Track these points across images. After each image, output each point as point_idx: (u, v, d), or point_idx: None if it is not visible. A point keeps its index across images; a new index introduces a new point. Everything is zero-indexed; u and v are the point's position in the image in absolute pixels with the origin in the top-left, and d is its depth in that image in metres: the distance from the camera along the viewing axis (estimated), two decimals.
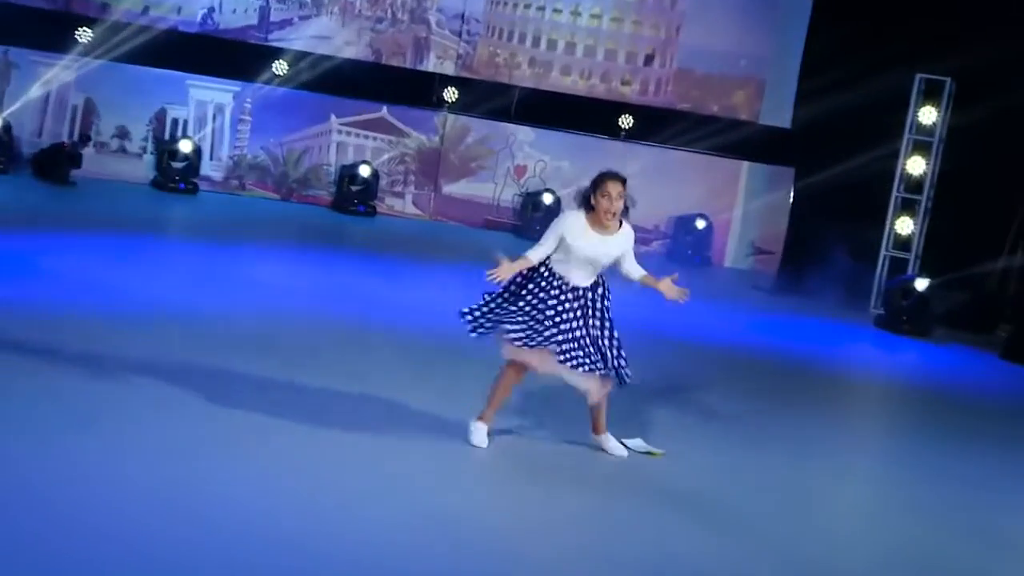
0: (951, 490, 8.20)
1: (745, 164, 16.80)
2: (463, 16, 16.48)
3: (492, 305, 7.48)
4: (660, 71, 16.80)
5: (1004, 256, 15.03)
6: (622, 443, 7.79)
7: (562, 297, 7.36)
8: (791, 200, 16.29)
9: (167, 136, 15.71)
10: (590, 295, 7.42)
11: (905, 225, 14.89)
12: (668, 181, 16.50)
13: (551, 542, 6.29)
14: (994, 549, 7.27)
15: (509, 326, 7.36)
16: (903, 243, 14.91)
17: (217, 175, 15.99)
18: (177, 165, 15.51)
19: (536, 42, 16.65)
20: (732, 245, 16.82)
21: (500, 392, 7.53)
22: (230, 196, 15.96)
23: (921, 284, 13.86)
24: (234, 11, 15.91)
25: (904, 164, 14.89)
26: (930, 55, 14.69)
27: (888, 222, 14.93)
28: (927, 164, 14.82)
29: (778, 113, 16.73)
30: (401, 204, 16.53)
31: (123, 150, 15.70)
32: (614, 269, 7.51)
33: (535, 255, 7.31)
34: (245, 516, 5.87)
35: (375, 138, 16.37)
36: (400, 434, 7.52)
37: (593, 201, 7.33)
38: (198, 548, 5.42)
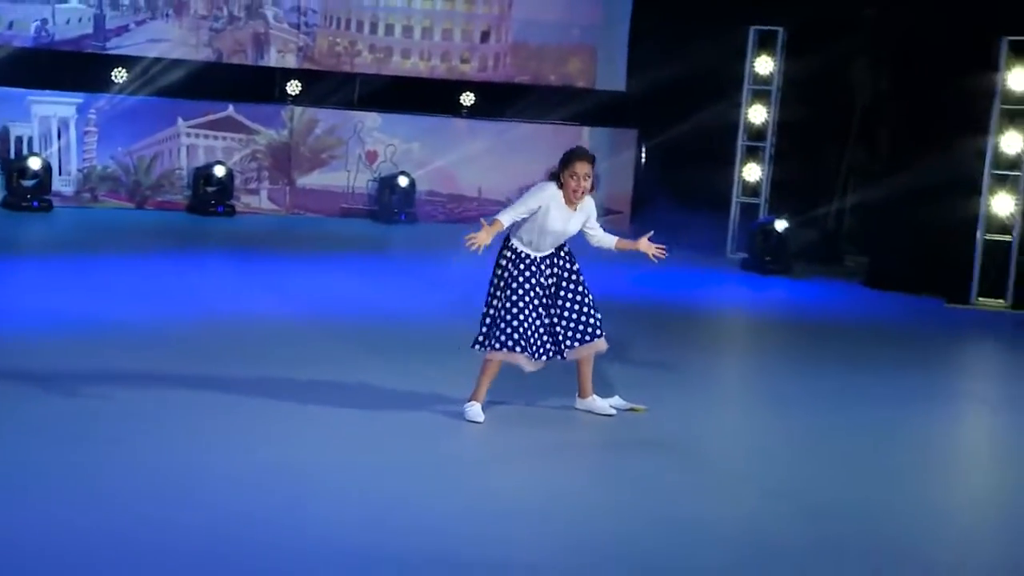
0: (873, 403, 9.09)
1: (586, 130, 17.35)
2: (300, 8, 16.61)
3: (489, 320, 7.80)
4: (497, 46, 17.25)
5: (838, 196, 16.08)
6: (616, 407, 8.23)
7: (532, 280, 7.73)
8: (641, 160, 16.99)
9: (13, 155, 15.45)
10: (552, 263, 7.81)
11: (752, 172, 15.70)
12: (515, 153, 16.96)
13: (571, 501, 6.64)
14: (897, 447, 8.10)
15: (502, 338, 7.69)
16: (752, 189, 15.71)
17: (69, 190, 15.81)
18: (27, 183, 15.28)
19: (374, 28, 16.89)
20: None
21: (487, 378, 7.87)
22: (84, 210, 15.77)
23: (780, 225, 14.78)
24: (68, 22, 15.75)
25: (746, 113, 15.64)
26: (762, 7, 15.45)
27: (736, 170, 15.68)
28: (767, 112, 15.61)
29: (613, 78, 17.37)
30: (257, 201, 16.61)
31: None
32: (585, 242, 7.94)
33: (506, 218, 7.67)
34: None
35: (224, 137, 16.40)
36: (393, 416, 7.87)
37: (562, 180, 7.73)
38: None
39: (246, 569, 5.38)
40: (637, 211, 17.03)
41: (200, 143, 16.35)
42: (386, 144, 17.00)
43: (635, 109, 17.16)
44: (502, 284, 7.80)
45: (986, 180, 13.31)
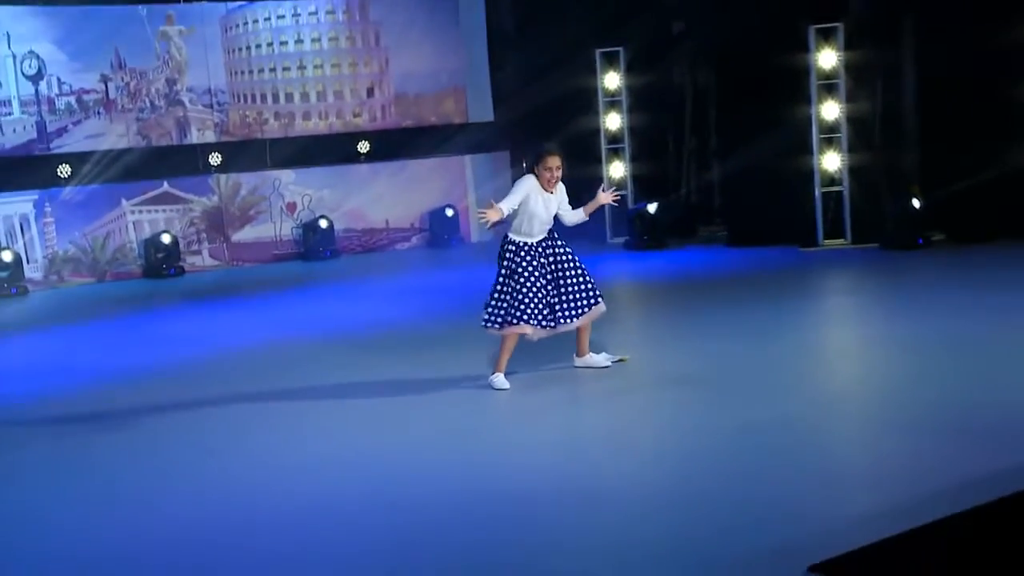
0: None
1: (467, 158, 18.22)
2: (211, 91, 17.06)
3: (495, 301, 8.42)
4: (381, 99, 17.90)
5: (684, 179, 17.27)
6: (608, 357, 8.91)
7: (533, 262, 8.35)
8: (521, 173, 17.88)
9: None
10: (547, 247, 8.46)
11: (617, 169, 16.80)
12: (412, 186, 17.82)
13: (607, 436, 7.28)
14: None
15: (511, 316, 8.32)
16: (618, 184, 16.82)
17: (38, 275, 16.09)
18: (3, 275, 15.56)
19: (276, 99, 17.44)
20: (475, 224, 18.33)
21: (506, 351, 8.47)
22: (55, 290, 16.04)
23: (652, 208, 15.83)
24: (14, 130, 15.97)
25: (604, 122, 16.62)
26: (604, 32, 16.44)
27: (604, 169, 16.62)
28: (621, 119, 16.64)
29: (483, 111, 18.17)
30: (201, 260, 17.05)
31: None
32: (560, 223, 8.62)
33: (505, 206, 8.32)
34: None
35: (164, 210, 16.81)
36: (430, 396, 8.40)
37: (537, 173, 8.47)
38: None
39: (359, 524, 5.88)
40: None
41: (144, 218, 16.72)
42: (302, 195, 17.55)
43: (505, 135, 18.01)
44: (508, 272, 8.40)
45: (815, 142, 14.51)
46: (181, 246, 16.81)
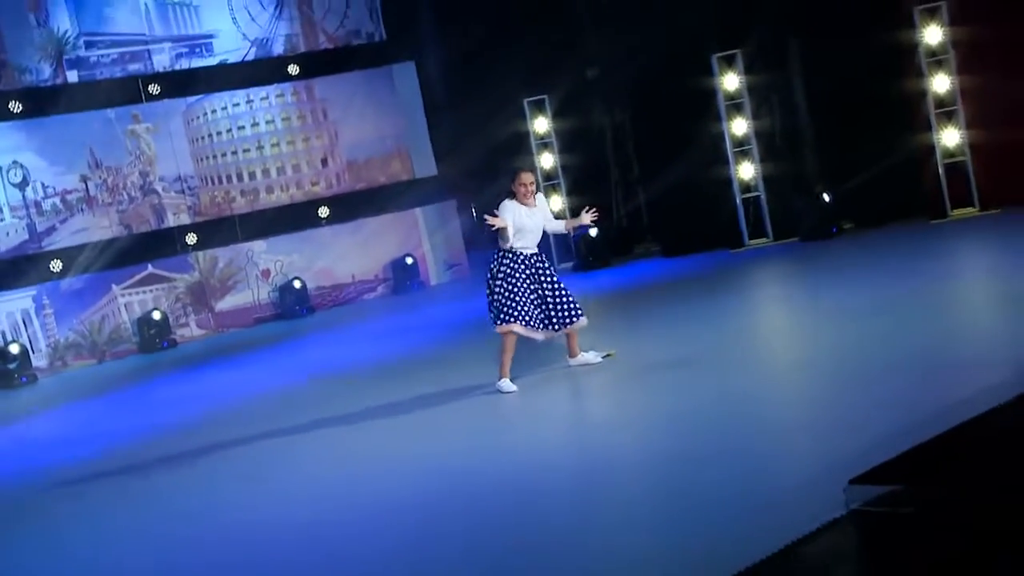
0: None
1: (419, 209, 18.57)
2: (181, 178, 17.22)
3: (491, 303, 8.70)
4: (335, 167, 18.15)
5: (614, 205, 17.74)
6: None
7: (526, 272, 8.64)
8: (472, 217, 18.19)
9: None
10: (538, 263, 8.77)
11: (555, 202, 17.08)
12: (372, 242, 18.06)
13: (612, 421, 7.70)
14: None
15: (505, 314, 8.58)
16: (558, 215, 17.23)
17: (43, 363, 16.08)
18: (12, 366, 15.55)
19: (240, 178, 17.63)
20: (433, 268, 18.61)
21: (507, 355, 8.69)
22: (61, 374, 16.05)
23: (593, 232, 16.26)
24: (7, 234, 16.00)
25: (539, 161, 17.01)
26: (530, 82, 16.90)
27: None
28: (554, 159, 17.09)
29: (426, 167, 18.51)
30: (190, 331, 17.16)
31: None
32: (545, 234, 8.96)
33: (501, 221, 8.61)
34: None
35: (151, 290, 16.91)
36: (451, 407, 8.60)
37: (514, 190, 8.79)
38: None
39: (431, 510, 6.18)
40: (473, 262, 18.14)
41: (134, 299, 16.80)
42: (274, 261, 17.71)
43: (449, 186, 18.36)
44: (502, 276, 8.66)
45: (730, 155, 15.07)
46: (171, 320, 16.91)
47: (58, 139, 16.36)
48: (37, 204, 16.28)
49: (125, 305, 16.79)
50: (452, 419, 8.35)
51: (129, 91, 16.81)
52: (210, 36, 17.44)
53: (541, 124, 17.10)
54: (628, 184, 17.59)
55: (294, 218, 17.80)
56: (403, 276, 18.18)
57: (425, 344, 12.47)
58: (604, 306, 13.37)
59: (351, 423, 8.78)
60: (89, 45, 16.61)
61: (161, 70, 17.07)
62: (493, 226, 8.60)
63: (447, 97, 18.15)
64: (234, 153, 17.64)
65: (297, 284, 17.53)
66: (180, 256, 17.16)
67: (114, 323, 16.70)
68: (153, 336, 16.64)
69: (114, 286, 16.72)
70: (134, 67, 16.92)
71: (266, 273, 17.72)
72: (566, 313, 8.82)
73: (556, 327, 8.80)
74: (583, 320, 8.94)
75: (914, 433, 5.37)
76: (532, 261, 8.84)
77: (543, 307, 8.76)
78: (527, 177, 8.91)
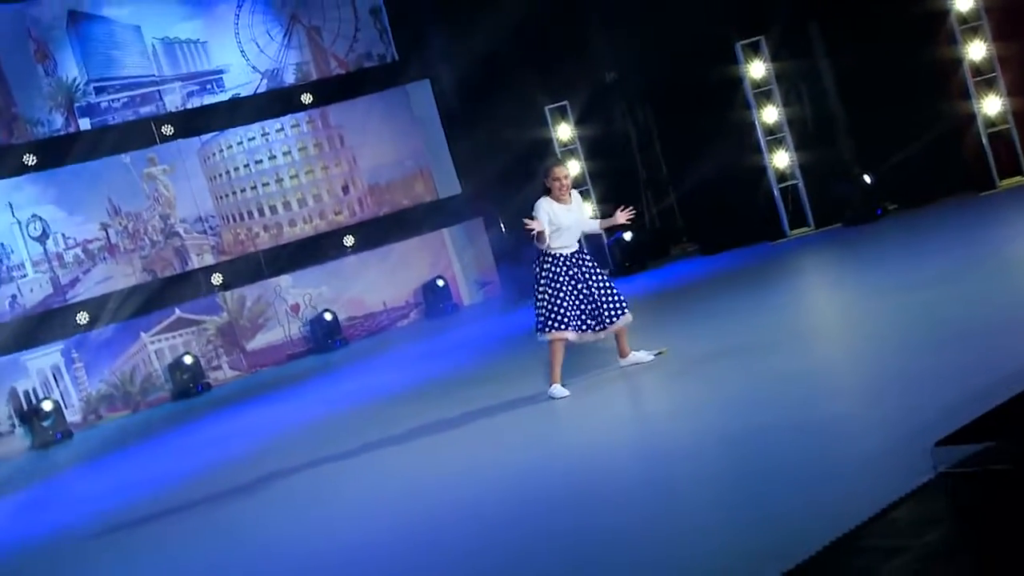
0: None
1: (445, 230, 18.64)
2: (202, 218, 17.32)
3: (538, 311, 8.65)
4: (357, 194, 18.23)
5: (644, 207, 17.66)
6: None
7: (568, 273, 8.56)
8: (503, 234, 17.96)
9: (26, 407, 15.78)
10: (580, 259, 8.72)
11: (586, 210, 17.19)
12: (401, 266, 18.11)
13: (672, 416, 7.57)
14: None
15: (553, 322, 8.54)
16: (593, 215, 17.17)
17: (78, 418, 16.16)
18: (46, 423, 15.60)
19: (262, 212, 17.72)
20: (465, 289, 18.65)
21: (556, 361, 8.63)
22: (96, 428, 16.07)
23: (628, 236, 16.31)
24: (31, 290, 16.12)
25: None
26: (551, 88, 16.95)
27: None
28: (580, 165, 17.11)
29: (450, 186, 18.54)
30: (223, 373, 17.22)
31: None
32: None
33: (538, 224, 8.53)
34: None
35: (181, 334, 16.96)
36: (504, 418, 8.55)
37: (548, 186, 8.71)
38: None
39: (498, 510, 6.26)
40: (505, 279, 18.09)
41: (164, 345, 16.86)
42: (303, 295, 17.74)
43: (474, 202, 18.29)
44: (546, 281, 8.61)
45: (763, 144, 15.02)
46: (203, 364, 16.96)
47: (75, 189, 16.50)
48: (59, 256, 16.41)
49: (155, 352, 16.86)
50: (505, 429, 8.31)
51: (143, 134, 16.92)
52: (220, 72, 17.59)
53: (564, 131, 17.14)
54: (658, 184, 17.60)
55: (319, 249, 17.86)
56: (435, 299, 18.20)
57: (466, 363, 12.47)
58: (648, 307, 13.27)
59: (398, 443, 8.74)
60: (99, 91, 16.77)
61: (173, 110, 17.19)
62: (532, 231, 8.51)
63: (465, 112, 18.15)
64: (253, 188, 17.74)
65: (328, 316, 17.56)
66: (207, 297, 17.22)
67: (145, 371, 16.78)
68: (186, 381, 16.68)
69: (142, 334, 16.80)
70: (146, 109, 17.07)
71: (295, 308, 17.77)
72: (614, 309, 8.78)
73: (604, 324, 8.74)
74: (629, 315, 8.87)
75: (994, 394, 5.28)
76: (574, 260, 8.78)
77: (590, 306, 8.70)
78: (561, 171, 8.81)
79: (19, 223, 16.18)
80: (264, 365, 17.46)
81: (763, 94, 15.02)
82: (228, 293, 17.37)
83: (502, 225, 17.91)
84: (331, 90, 18.12)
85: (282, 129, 17.96)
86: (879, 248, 12.61)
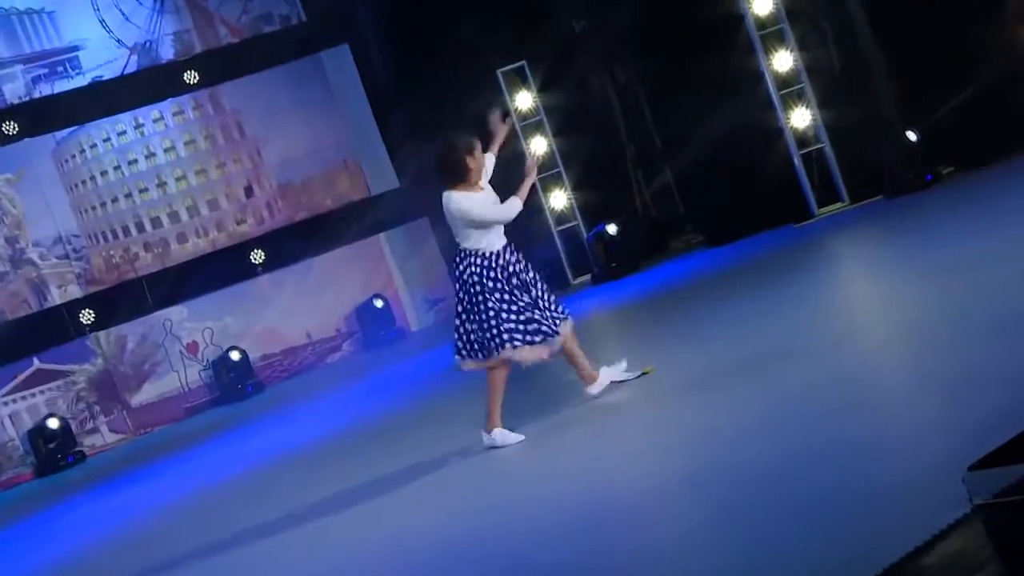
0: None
1: (383, 235, 18.51)
2: (61, 238, 17.17)
3: (462, 331, 8.56)
4: (264, 196, 18.18)
5: (636, 190, 17.50)
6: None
7: (500, 275, 8.42)
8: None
9: None
10: (511, 257, 8.56)
11: (558, 199, 17.04)
12: (326, 286, 17.93)
13: (661, 461, 7.35)
14: None
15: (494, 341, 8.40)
16: (560, 215, 17.11)
17: None
18: None
19: (140, 227, 17.60)
20: (411, 309, 18.50)
21: (497, 397, 8.54)
22: None
23: (612, 228, 16.13)
24: None
25: (529, 148, 16.49)
26: (499, 49, 16.82)
27: (543, 201, 16.86)
28: (547, 141, 16.91)
29: (385, 178, 18.47)
30: (101, 438, 16.99)
31: None
32: None
33: (511, 207, 8.56)
34: None
35: (42, 391, 16.81)
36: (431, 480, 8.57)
37: (470, 166, 8.53)
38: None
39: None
40: None
41: (21, 406, 16.69)
42: (201, 330, 17.64)
43: (417, 199, 17.91)
44: (486, 290, 8.41)
45: (776, 101, 14.81)
46: (74, 428, 16.76)
47: None
48: None
49: (10, 415, 16.67)
50: (444, 486, 8.30)
51: None
52: (75, 49, 17.49)
53: (524, 99, 16.96)
54: (650, 162, 17.41)
55: (220, 270, 17.75)
56: (374, 324, 18.09)
57: (407, 403, 12.47)
58: (636, 317, 13.37)
59: (323, 510, 8.69)
60: None
61: (16, 101, 17.07)
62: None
63: (398, 84, 17.94)
64: (128, 196, 17.67)
65: (235, 356, 17.44)
66: (75, 342, 17.10)
67: None
68: (52, 452, 16.45)
69: None
70: None
71: (193, 347, 17.66)
72: (557, 311, 8.66)
73: (552, 332, 8.58)
74: (570, 321, 8.76)
75: None
76: (508, 256, 8.64)
77: (533, 311, 8.55)
78: (479, 149, 8.70)
79: None
80: (155, 424, 17.30)
81: (773, 36, 14.81)
82: (102, 334, 17.23)
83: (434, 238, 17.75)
84: (222, 64, 18.12)
85: (161, 118, 17.90)
86: (930, 222, 12.42)
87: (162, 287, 17.50)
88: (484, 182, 8.74)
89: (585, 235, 16.71)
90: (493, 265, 8.52)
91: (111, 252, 17.48)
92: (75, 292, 17.22)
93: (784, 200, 14.96)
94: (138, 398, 17.31)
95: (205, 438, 15.22)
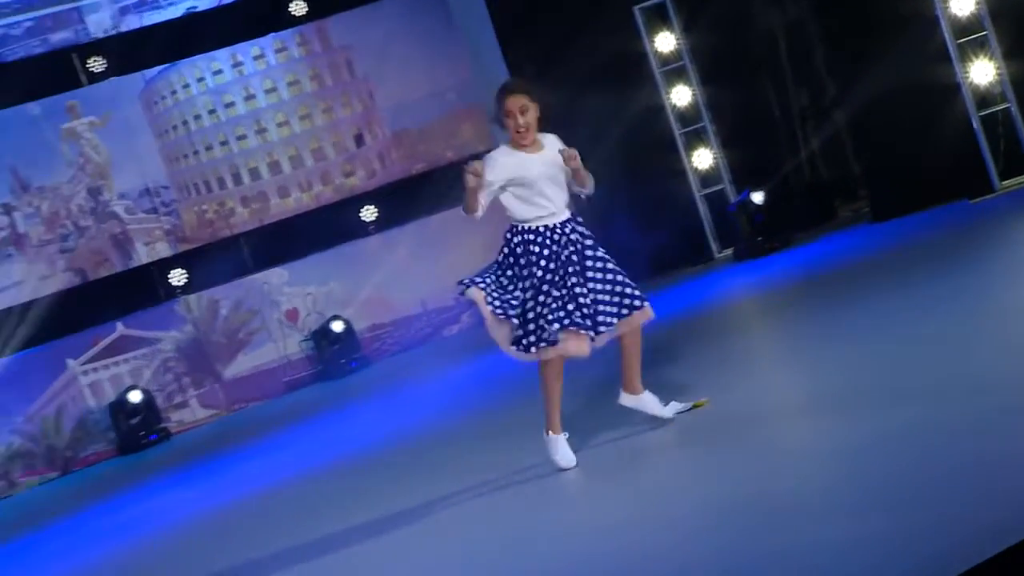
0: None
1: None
2: (149, 190, 17.12)
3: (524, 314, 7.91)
4: (376, 145, 17.83)
5: (802, 147, 16.40)
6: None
7: (551, 256, 7.86)
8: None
9: None
10: (571, 232, 7.92)
11: (702, 158, 16.08)
12: (443, 249, 17.31)
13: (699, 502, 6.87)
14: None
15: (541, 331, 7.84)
16: (708, 178, 16.16)
17: None
18: None
19: (238, 179, 17.44)
20: None
21: (553, 394, 8.00)
22: (5, 501, 15.95)
23: (758, 197, 15.29)
24: None
25: (668, 97, 16.04)
26: None
27: (685, 161, 16.11)
28: (690, 91, 16.04)
29: None
30: (191, 413, 16.96)
31: None
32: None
33: (473, 177, 7.93)
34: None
35: (126, 360, 16.79)
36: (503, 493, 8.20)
37: (502, 123, 7.97)
38: None
39: None
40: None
41: (102, 376, 16.69)
42: (303, 296, 17.44)
43: None
44: (509, 277, 7.99)
45: (952, 50, 13.81)
46: (159, 401, 16.77)
47: None
48: None
49: (90, 385, 16.69)
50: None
51: (59, 72, 16.89)
52: None
53: (665, 41, 16.10)
54: (820, 115, 16.36)
55: (325, 228, 17.59)
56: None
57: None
58: (764, 309, 12.70)
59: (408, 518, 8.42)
60: None
61: (101, 35, 17.06)
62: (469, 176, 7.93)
63: (526, 21, 17.17)
64: (223, 143, 17.60)
65: (337, 327, 17.15)
66: (163, 306, 17.16)
67: (77, 414, 16.66)
68: (135, 428, 16.41)
69: (70, 361, 16.67)
70: (60, 37, 16.93)
71: (292, 314, 17.50)
72: (616, 302, 8.06)
73: (606, 325, 8.01)
74: (646, 311, 8.11)
75: None
76: (561, 234, 7.98)
77: (584, 300, 7.97)
78: (515, 102, 7.91)
79: None
80: (250, 400, 17.27)
81: None
82: (193, 298, 17.21)
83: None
84: None
85: (262, 55, 17.82)
86: None
87: (260, 247, 17.48)
88: (551, 143, 8.11)
89: (732, 200, 15.85)
90: (546, 242, 8.02)
91: (204, 206, 17.38)
92: (164, 250, 17.18)
93: (959, 170, 14.06)
94: (231, 370, 17.23)
95: (302, 418, 15.03)
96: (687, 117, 16.17)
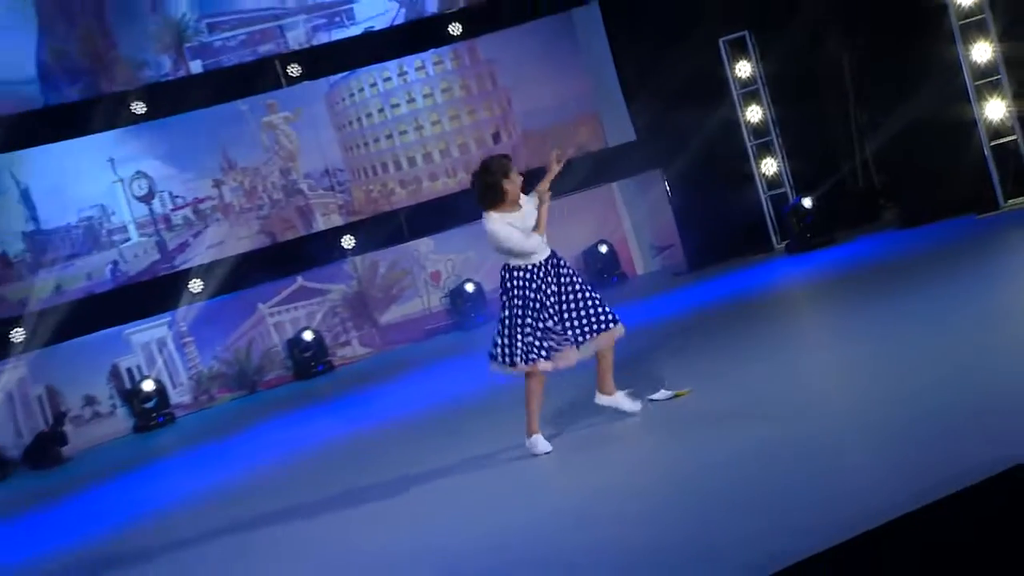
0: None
1: (614, 185, 19.13)
2: (328, 172, 18.35)
3: (508, 337, 8.75)
4: (510, 142, 18.82)
5: (857, 156, 17.35)
6: (641, 399, 9.21)
7: (539, 284, 8.77)
8: (669, 193, 18.25)
9: (128, 386, 17.27)
10: (555, 266, 8.92)
11: (769, 166, 17.35)
12: (560, 228, 18.04)
13: (675, 489, 7.46)
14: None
15: (524, 350, 8.67)
16: (772, 181, 17.39)
17: (186, 398, 17.58)
18: (148, 405, 17.08)
19: (398, 166, 18.61)
20: (637, 255, 19.17)
21: (535, 402, 8.81)
22: (206, 411, 17.48)
23: (807, 202, 16.39)
24: (136, 255, 17.53)
25: (744, 114, 17.18)
26: (726, 17, 17.09)
27: (754, 168, 17.28)
28: (762, 110, 17.20)
29: (621, 130, 18.79)
30: (351, 350, 18.31)
31: (97, 415, 17.22)
32: None
33: (530, 243, 8.85)
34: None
35: (303, 306, 18.16)
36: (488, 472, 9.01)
37: (506, 188, 8.78)
38: None
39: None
40: (685, 240, 18.27)
41: (285, 318, 18.06)
42: (444, 261, 18.70)
43: (650, 152, 18.38)
44: (508, 306, 8.80)
45: (971, 90, 14.74)
46: (327, 340, 18.07)
47: (185, 141, 17.67)
48: (166, 218, 17.76)
49: (275, 325, 18.09)
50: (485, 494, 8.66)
51: (263, 76, 17.70)
52: (350, 1, 18.47)
53: (744, 68, 17.27)
54: (875, 128, 17.21)
55: (464, 207, 17.02)
56: (599, 267, 18.76)
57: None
58: (775, 308, 13.45)
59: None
60: (212, 28, 17.93)
61: (297, 47, 18.06)
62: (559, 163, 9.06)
63: (639, 43, 18.25)
64: (388, 137, 18.64)
65: (470, 287, 18.37)
66: (334, 264, 18.20)
67: (264, 347, 18.05)
68: (307, 360, 17.87)
69: (260, 305, 18.05)
70: (265, 48, 18.02)
71: (436, 276, 18.72)
72: (592, 322, 8.80)
73: (575, 341, 8.80)
74: (617, 328, 8.87)
75: None
76: (549, 267, 8.99)
77: (563, 319, 8.81)
78: (517, 175, 8.92)
79: (121, 181, 17.57)
80: (397, 342, 18.46)
81: (973, 26, 14.75)
82: (359, 258, 18.33)
83: (665, 188, 18.31)
84: (482, 19, 18.52)
85: (423, 67, 18.75)
86: None
87: (413, 220, 18.18)
88: (524, 199, 8.91)
89: (792, 201, 16.91)
90: (533, 278, 8.82)
91: (370, 187, 18.52)
92: (337, 220, 18.27)
93: (972, 190, 14.83)
94: (386, 317, 18.43)
95: (438, 358, 16.31)
96: (758, 131, 17.22)
